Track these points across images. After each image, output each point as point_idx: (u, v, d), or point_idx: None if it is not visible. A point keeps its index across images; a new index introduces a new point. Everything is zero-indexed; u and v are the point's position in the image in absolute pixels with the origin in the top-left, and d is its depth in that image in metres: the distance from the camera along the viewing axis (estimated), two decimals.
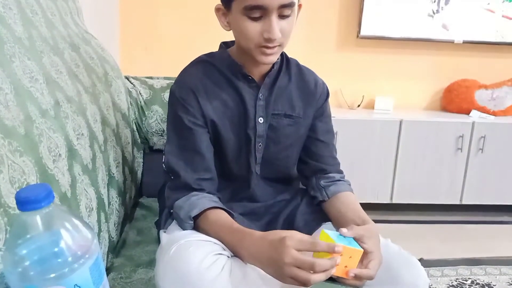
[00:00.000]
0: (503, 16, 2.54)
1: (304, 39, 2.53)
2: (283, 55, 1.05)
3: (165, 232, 0.96)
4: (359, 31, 2.47)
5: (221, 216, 0.90)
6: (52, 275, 0.44)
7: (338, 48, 2.58)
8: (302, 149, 1.10)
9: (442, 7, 2.50)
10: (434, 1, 2.48)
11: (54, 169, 0.68)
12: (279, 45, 0.90)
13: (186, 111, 0.96)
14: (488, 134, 2.40)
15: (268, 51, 0.89)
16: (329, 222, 1.02)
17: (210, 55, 1.04)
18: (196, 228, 0.91)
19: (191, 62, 1.03)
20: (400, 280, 0.92)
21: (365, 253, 0.81)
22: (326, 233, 0.77)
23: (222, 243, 0.87)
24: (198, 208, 0.90)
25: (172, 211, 0.97)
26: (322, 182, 1.06)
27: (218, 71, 1.00)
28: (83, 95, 0.95)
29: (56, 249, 0.46)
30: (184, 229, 0.92)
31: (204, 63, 1.02)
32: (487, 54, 2.65)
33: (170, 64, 1.06)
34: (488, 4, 2.52)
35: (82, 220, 0.50)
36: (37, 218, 0.46)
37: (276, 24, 0.86)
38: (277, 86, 1.01)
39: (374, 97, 2.60)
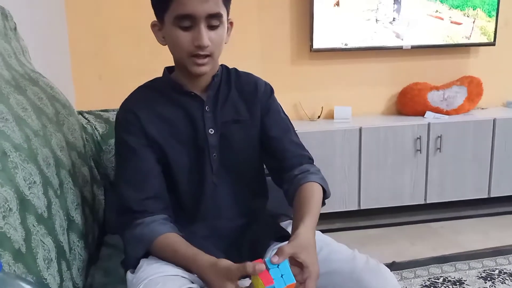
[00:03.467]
0: (451, 22, 2.65)
1: (258, 55, 2.55)
2: (223, 67, 1.09)
3: (132, 272, 0.94)
4: (311, 45, 2.52)
5: (170, 243, 0.92)
6: None
7: (293, 63, 2.61)
8: (262, 152, 1.10)
9: (393, 17, 2.59)
10: (377, 9, 2.56)
11: (4, 226, 0.65)
12: (210, 56, 0.96)
13: (129, 132, 0.99)
14: (444, 134, 2.48)
15: (200, 61, 0.95)
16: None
17: (152, 80, 1.09)
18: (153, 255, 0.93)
19: (134, 89, 1.07)
20: None
21: (301, 267, 0.82)
22: (258, 277, 0.77)
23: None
24: (142, 247, 0.92)
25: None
26: (285, 187, 1.07)
27: (161, 93, 1.04)
28: (32, 140, 0.91)
29: None
30: (129, 264, 0.94)
31: (146, 88, 1.07)
32: (434, 56, 2.76)
33: (125, 93, 1.06)
34: (436, 11, 2.62)
35: (35, 283, 0.47)
36: None
37: (205, 32, 0.92)
38: (220, 96, 1.05)
39: (332, 107, 2.64)
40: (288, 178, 1.06)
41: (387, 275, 0.96)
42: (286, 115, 1.14)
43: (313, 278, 0.82)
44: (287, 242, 1.01)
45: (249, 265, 0.76)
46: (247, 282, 0.83)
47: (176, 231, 0.95)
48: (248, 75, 1.12)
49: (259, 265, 0.76)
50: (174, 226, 0.96)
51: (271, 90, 1.12)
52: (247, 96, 1.08)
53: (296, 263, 0.82)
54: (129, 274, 0.95)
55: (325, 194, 1.05)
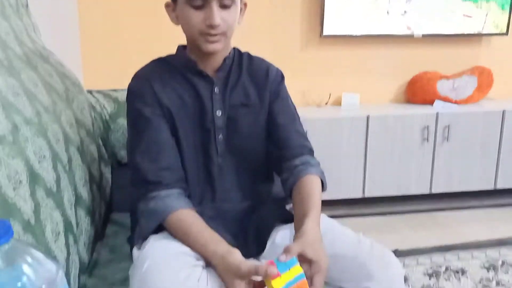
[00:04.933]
0: (464, 15, 2.61)
1: (268, 40, 2.54)
2: (235, 51, 1.09)
3: (139, 249, 0.95)
4: (321, 31, 2.50)
5: (185, 221, 0.91)
6: None
7: (302, 48, 2.60)
8: (266, 138, 1.10)
9: (404, 10, 2.55)
10: (389, 2, 2.54)
11: (15, 197, 0.66)
12: (222, 34, 0.96)
13: (143, 102, 0.99)
14: (452, 123, 2.47)
15: (211, 38, 0.95)
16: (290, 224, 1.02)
17: (166, 56, 1.09)
18: (167, 230, 0.93)
19: (148, 63, 1.07)
20: (374, 276, 0.93)
21: (310, 263, 0.83)
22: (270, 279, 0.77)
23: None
24: (155, 221, 0.92)
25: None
26: (283, 176, 1.07)
27: (173, 67, 1.04)
28: (43, 115, 0.92)
29: (19, 285, 0.44)
30: (140, 237, 0.94)
31: (159, 60, 1.07)
32: (446, 45, 2.73)
33: (134, 72, 1.06)
34: (448, 4, 2.58)
35: (45, 253, 0.48)
36: None
37: (217, 11, 0.92)
38: (230, 79, 1.05)
39: (340, 94, 2.63)
40: (288, 168, 1.06)
41: (392, 259, 0.96)
42: (293, 103, 1.14)
43: (321, 273, 0.83)
44: (292, 224, 1.02)
45: (262, 268, 0.76)
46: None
47: (191, 206, 0.95)
48: (261, 60, 1.12)
49: (271, 268, 0.75)
50: (188, 201, 0.96)
51: (282, 77, 1.12)
52: (258, 81, 1.08)
53: (305, 260, 0.83)
54: (135, 250, 0.96)
55: (322, 188, 1.06)
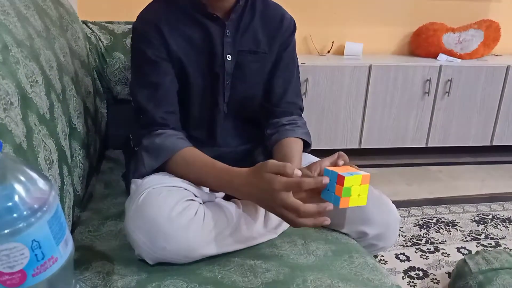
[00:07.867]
0: None
1: None
2: None
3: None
4: None
5: (198, 155, 0.90)
6: (6, 231, 0.40)
7: None
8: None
9: None
10: None
11: (5, 119, 0.62)
12: None
13: (149, 45, 0.94)
14: (454, 78, 2.42)
15: None
16: None
17: None
18: (168, 169, 0.90)
19: (153, 1, 1.00)
20: (371, 220, 0.94)
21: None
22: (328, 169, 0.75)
23: (204, 183, 0.86)
24: (163, 156, 0.88)
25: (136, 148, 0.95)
26: (268, 131, 1.06)
27: (182, 8, 0.97)
28: (35, 40, 0.87)
29: (9, 204, 0.42)
30: (140, 172, 0.90)
31: (166, 1, 0.98)
32: None
33: (131, 7, 0.99)
34: None
35: (37, 171, 0.45)
36: None
37: None
38: (242, 22, 0.99)
39: (343, 42, 2.56)
40: (275, 124, 1.05)
41: (389, 205, 0.97)
42: (297, 57, 1.11)
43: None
44: None
45: (306, 181, 0.72)
46: None
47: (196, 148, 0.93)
48: (276, 6, 1.06)
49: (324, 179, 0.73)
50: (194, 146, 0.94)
51: (294, 27, 1.08)
52: (270, 28, 1.03)
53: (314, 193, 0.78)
54: (132, 183, 0.94)
55: (308, 147, 1.07)
